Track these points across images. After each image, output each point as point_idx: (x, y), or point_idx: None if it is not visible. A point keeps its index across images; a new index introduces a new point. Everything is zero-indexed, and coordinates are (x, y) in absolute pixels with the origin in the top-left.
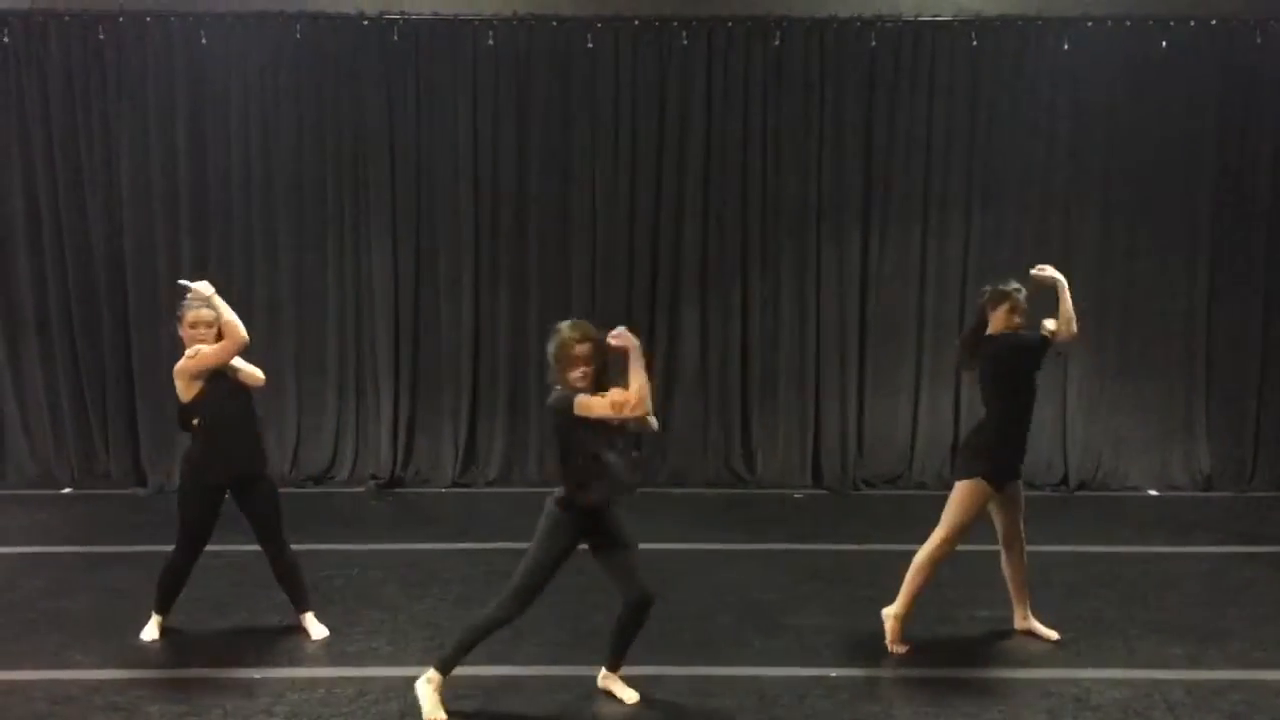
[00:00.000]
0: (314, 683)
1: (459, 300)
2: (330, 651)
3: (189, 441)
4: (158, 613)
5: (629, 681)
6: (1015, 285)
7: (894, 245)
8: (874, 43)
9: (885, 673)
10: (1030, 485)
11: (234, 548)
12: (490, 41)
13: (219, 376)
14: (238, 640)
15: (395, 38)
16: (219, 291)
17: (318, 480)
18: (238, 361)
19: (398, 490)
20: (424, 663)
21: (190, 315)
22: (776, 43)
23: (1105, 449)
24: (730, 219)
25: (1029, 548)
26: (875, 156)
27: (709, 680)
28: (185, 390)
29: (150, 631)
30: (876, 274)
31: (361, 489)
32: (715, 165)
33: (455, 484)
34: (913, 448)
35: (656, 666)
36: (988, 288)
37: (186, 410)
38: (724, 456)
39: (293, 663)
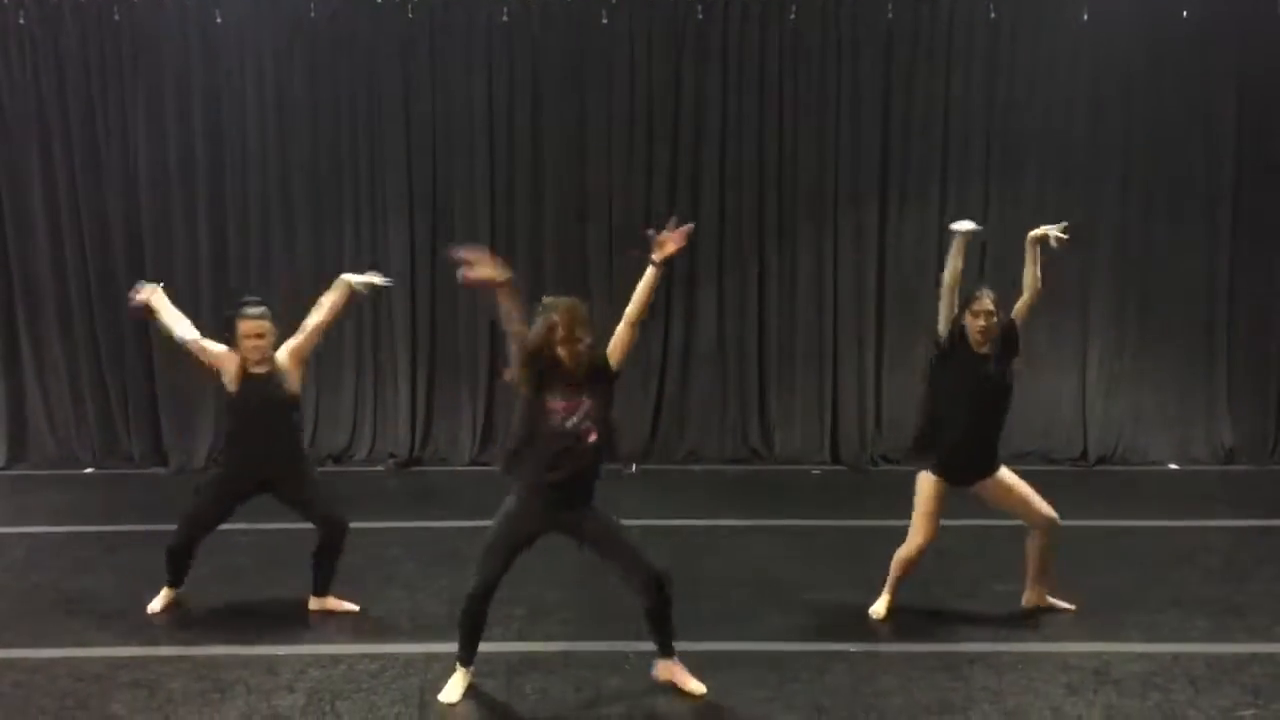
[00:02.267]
0: (336, 659)
1: None
2: (352, 628)
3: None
4: (170, 587)
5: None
6: (983, 289)
7: (912, 218)
8: (891, 14)
9: (903, 647)
10: (1050, 460)
11: (258, 525)
12: (505, 18)
13: (256, 381)
14: (260, 617)
15: (410, 14)
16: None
17: (337, 460)
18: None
19: (416, 469)
20: (444, 638)
21: (250, 325)
22: (792, 16)
23: (1126, 423)
24: (747, 193)
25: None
26: (893, 129)
27: (727, 655)
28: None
29: (156, 603)
30: (895, 248)
31: (380, 468)
32: (731, 139)
33: (474, 462)
34: None
35: (677, 642)
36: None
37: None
38: (741, 433)
39: (315, 639)
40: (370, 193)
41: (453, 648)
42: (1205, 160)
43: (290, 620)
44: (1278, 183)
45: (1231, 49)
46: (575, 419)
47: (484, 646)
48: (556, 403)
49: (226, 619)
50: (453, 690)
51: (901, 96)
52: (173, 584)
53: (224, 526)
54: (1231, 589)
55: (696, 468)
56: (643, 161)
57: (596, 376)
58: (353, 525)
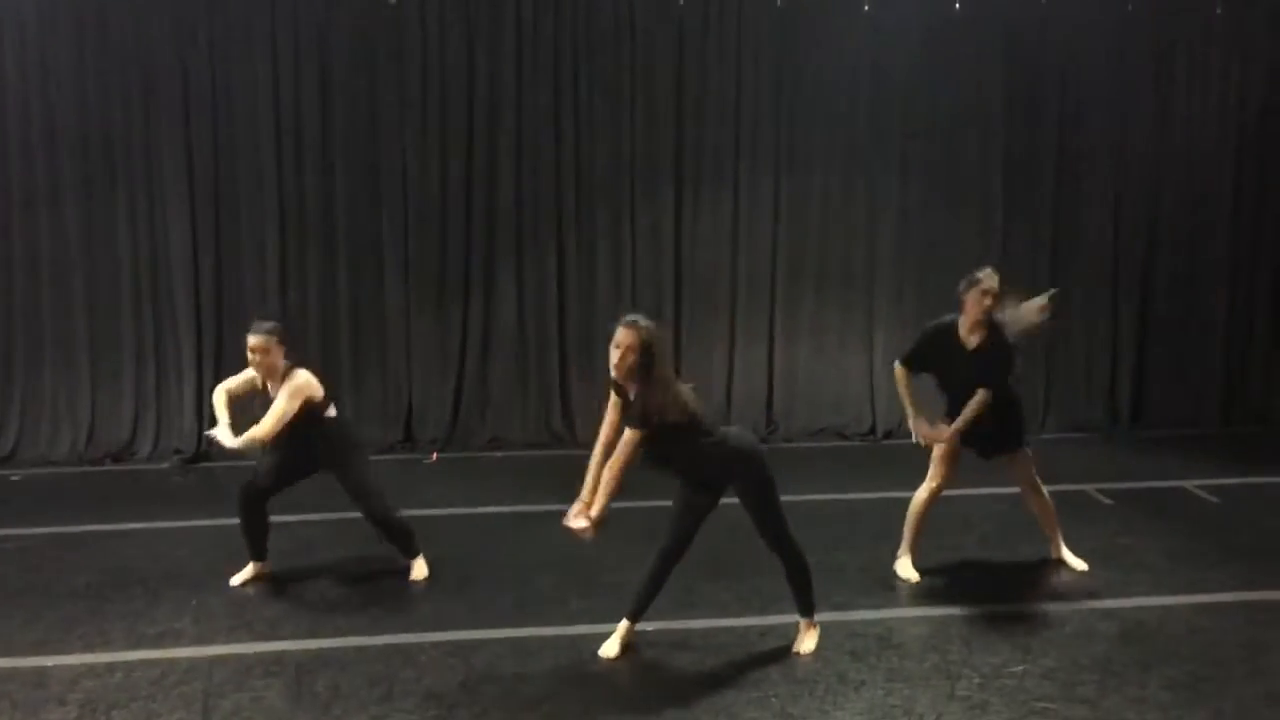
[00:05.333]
0: (111, 667)
1: (264, 259)
2: (129, 634)
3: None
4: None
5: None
6: (986, 270)
7: (706, 205)
8: (682, 2)
9: (697, 624)
10: (842, 435)
11: (25, 530)
12: None
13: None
14: (27, 628)
15: None
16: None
17: (116, 458)
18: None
19: (204, 465)
20: (231, 640)
21: (250, 340)
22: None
23: None
24: (543, 179)
25: (843, 495)
26: (685, 115)
27: (528, 640)
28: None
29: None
30: (691, 233)
31: (165, 465)
32: (527, 123)
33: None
34: (729, 403)
35: (476, 630)
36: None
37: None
38: (544, 418)
39: (88, 648)
40: (146, 172)
41: (238, 649)
42: (977, 147)
43: (61, 630)
44: (1043, 167)
45: (999, 40)
46: None
47: (272, 645)
48: None
49: None
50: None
51: (694, 83)
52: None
53: None
54: (1004, 553)
55: (498, 454)
56: (437, 144)
57: None
58: (135, 526)
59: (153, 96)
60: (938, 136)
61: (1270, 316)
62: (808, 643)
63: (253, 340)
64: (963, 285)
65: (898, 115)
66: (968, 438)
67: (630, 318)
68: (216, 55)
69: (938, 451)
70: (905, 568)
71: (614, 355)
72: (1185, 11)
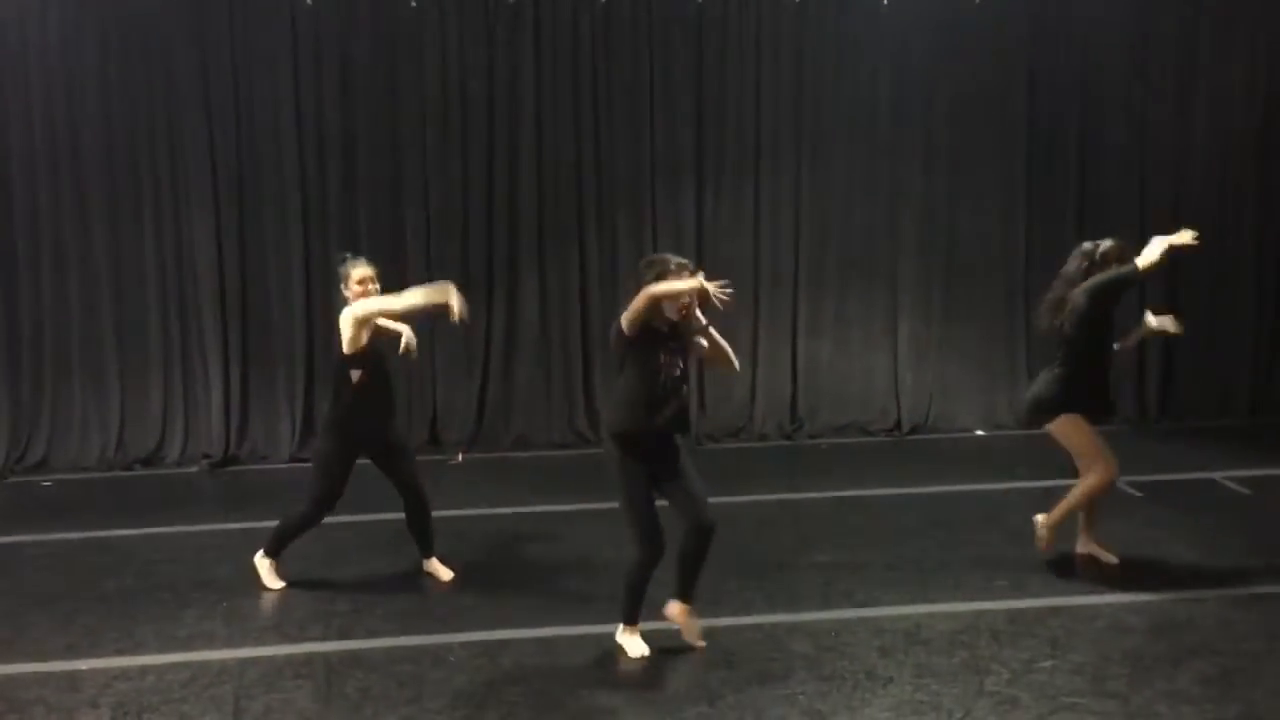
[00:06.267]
0: (143, 670)
1: (288, 265)
2: (160, 637)
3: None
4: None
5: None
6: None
7: (728, 198)
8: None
9: (723, 622)
10: (866, 431)
11: (56, 536)
12: (309, 1)
13: (380, 336)
14: (61, 631)
15: None
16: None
17: (145, 462)
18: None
19: (233, 468)
20: (261, 642)
21: (358, 271)
22: (603, 0)
23: (935, 392)
24: (564, 177)
25: (868, 491)
26: (706, 111)
27: (556, 640)
28: (352, 340)
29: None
30: (712, 227)
31: (194, 469)
32: (547, 124)
33: (294, 459)
34: (753, 400)
35: (503, 630)
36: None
37: (348, 362)
38: (568, 418)
39: (120, 651)
40: (171, 181)
41: (268, 652)
42: (1000, 140)
43: (94, 633)
44: (1064, 161)
45: (1022, 32)
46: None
47: (302, 647)
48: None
49: (25, 635)
50: (640, 645)
51: (713, 77)
52: (273, 553)
53: (15, 539)
54: (1031, 547)
55: (524, 454)
56: (458, 147)
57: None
58: (165, 530)
59: (175, 104)
60: (959, 127)
61: None
62: (695, 628)
63: (368, 270)
64: (1115, 250)
65: (918, 107)
66: (1107, 405)
67: (682, 260)
68: (239, 66)
69: (1090, 442)
70: (1100, 551)
71: (684, 305)
72: None
